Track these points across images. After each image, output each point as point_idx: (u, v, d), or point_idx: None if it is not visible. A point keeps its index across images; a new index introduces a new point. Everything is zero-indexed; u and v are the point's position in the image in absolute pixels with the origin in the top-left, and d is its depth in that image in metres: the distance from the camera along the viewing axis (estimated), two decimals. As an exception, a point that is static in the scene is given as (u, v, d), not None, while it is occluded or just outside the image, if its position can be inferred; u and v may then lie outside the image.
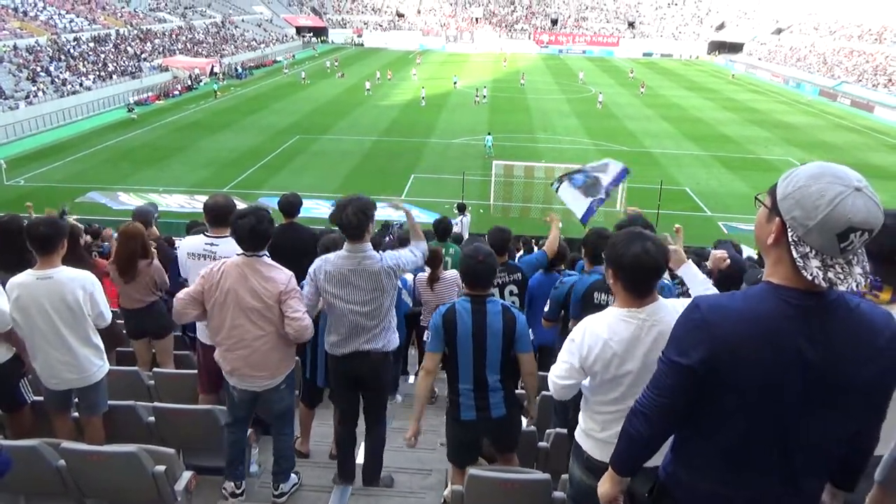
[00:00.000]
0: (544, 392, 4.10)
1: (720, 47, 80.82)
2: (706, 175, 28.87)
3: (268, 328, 3.65)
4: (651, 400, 1.83)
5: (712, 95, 51.15)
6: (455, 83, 48.86)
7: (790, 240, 1.62)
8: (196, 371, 4.71)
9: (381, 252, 3.87)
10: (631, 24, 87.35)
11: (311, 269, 3.91)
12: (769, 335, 1.63)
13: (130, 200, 23.88)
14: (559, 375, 2.60)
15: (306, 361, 4.65)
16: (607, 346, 2.46)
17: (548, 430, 4.07)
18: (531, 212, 23.82)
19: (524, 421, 3.90)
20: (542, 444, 4.01)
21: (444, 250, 6.76)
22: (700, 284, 2.85)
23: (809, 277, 1.58)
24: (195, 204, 23.64)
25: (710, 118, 41.58)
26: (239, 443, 3.87)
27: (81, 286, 3.75)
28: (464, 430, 3.60)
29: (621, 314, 2.49)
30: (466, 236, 14.11)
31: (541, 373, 4.34)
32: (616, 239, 2.55)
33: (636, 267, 2.43)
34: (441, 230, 7.79)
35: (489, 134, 28.57)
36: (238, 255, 3.69)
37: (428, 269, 5.92)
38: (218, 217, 4.38)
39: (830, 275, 1.57)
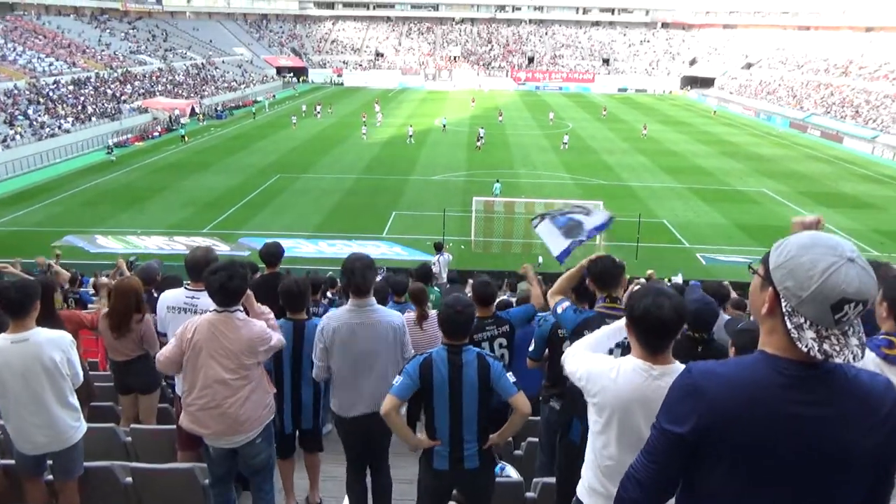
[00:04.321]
0: (531, 439, 4.06)
1: (692, 82, 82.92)
2: (683, 207, 29.31)
3: (240, 386, 3.61)
4: (644, 466, 1.81)
5: (687, 129, 52.26)
6: (444, 126, 48.30)
7: (784, 310, 1.60)
8: (175, 426, 4.59)
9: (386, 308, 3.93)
10: (605, 61, 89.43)
11: (318, 330, 3.95)
12: (761, 404, 1.61)
13: (108, 243, 23.66)
14: (574, 351, 2.77)
15: None
16: (613, 385, 2.50)
17: (535, 480, 4.01)
18: (512, 247, 23.92)
19: (500, 467, 3.88)
20: (530, 494, 3.94)
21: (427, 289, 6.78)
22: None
23: (805, 349, 1.56)
24: (174, 245, 23.47)
25: (685, 151, 42.40)
26: None
27: (59, 348, 3.68)
28: (436, 479, 3.58)
29: (634, 363, 2.52)
30: (445, 275, 14.10)
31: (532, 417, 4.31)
32: (635, 293, 2.59)
33: (644, 321, 2.45)
34: (421, 276, 7.93)
35: (498, 181, 28.77)
36: (211, 311, 3.66)
37: (415, 308, 5.89)
38: (199, 271, 4.34)
39: (826, 346, 1.55)
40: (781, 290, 1.60)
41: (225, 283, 3.57)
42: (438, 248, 15.79)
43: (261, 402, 3.76)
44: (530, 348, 4.36)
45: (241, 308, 3.71)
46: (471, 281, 9.59)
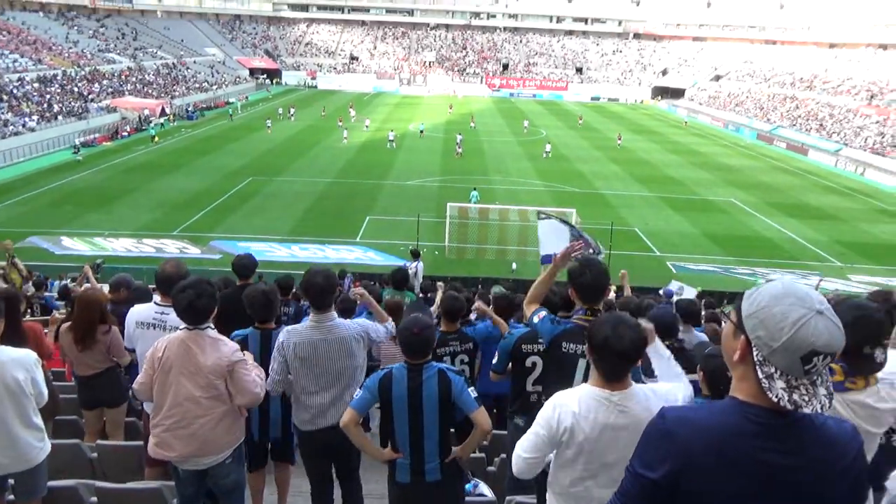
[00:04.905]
0: (504, 455, 4.05)
1: (663, 92, 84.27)
2: (654, 216, 29.74)
3: (211, 405, 3.55)
4: None
5: (658, 139, 53.08)
6: (421, 131, 48.21)
7: (756, 359, 1.64)
8: (142, 443, 4.49)
9: (349, 320, 3.88)
10: (578, 70, 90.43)
11: (277, 344, 3.89)
12: (732, 451, 1.64)
13: (74, 245, 23.12)
14: (526, 448, 2.60)
15: None
16: (577, 421, 2.50)
17: (508, 498, 4.01)
18: (487, 253, 24.02)
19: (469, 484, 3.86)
20: (503, 512, 3.94)
21: (402, 299, 6.76)
22: (664, 362, 2.89)
23: (775, 399, 1.60)
24: (143, 248, 23.05)
25: (656, 160, 43.04)
26: None
27: (23, 367, 3.55)
28: (400, 491, 3.64)
29: (594, 393, 2.54)
30: (419, 283, 14.08)
31: (496, 431, 4.29)
32: (596, 321, 2.63)
33: (605, 349, 2.50)
34: (398, 280, 7.87)
35: (475, 189, 28.76)
36: (181, 329, 3.60)
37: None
38: (169, 285, 4.25)
39: (796, 397, 1.59)
40: (753, 338, 1.64)
41: (193, 301, 3.52)
42: (415, 255, 15.78)
43: (233, 425, 3.70)
44: (494, 361, 4.36)
45: (212, 326, 3.65)
46: (440, 284, 9.59)
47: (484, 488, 4.19)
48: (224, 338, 3.65)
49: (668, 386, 2.78)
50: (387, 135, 44.03)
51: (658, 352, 2.92)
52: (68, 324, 5.01)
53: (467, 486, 4.09)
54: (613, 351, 2.49)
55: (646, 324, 2.95)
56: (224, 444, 3.68)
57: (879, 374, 2.56)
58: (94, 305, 4.92)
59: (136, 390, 3.59)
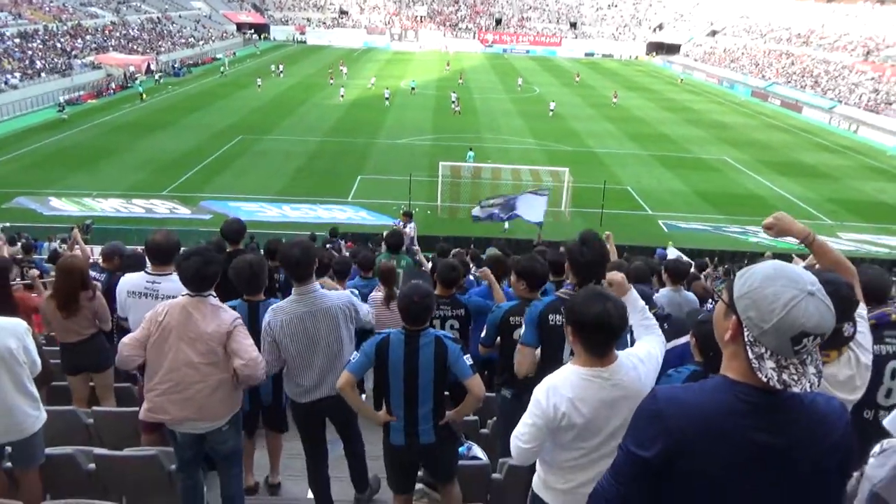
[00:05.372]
0: (509, 461, 4.05)
1: (658, 48, 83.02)
2: (647, 174, 29.66)
3: (209, 372, 3.55)
4: (611, 485, 1.85)
5: (652, 96, 52.54)
6: (413, 88, 47.54)
7: (746, 339, 1.65)
8: (138, 409, 4.51)
9: (334, 291, 3.85)
10: (573, 25, 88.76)
11: (264, 325, 3.88)
12: (723, 430, 1.66)
13: (62, 206, 22.90)
14: (523, 439, 2.59)
15: None
16: (573, 406, 2.49)
17: (501, 460, 4.07)
18: (479, 213, 23.96)
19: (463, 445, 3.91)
20: (496, 475, 4.00)
21: (396, 262, 6.73)
22: (637, 314, 2.92)
23: (764, 379, 1.62)
24: (132, 208, 22.86)
25: (650, 118, 42.70)
26: (192, 489, 3.74)
27: (14, 335, 3.53)
28: (394, 454, 3.70)
29: (583, 373, 2.53)
30: (414, 244, 14.06)
31: (489, 394, 4.35)
32: (576, 299, 2.58)
33: (597, 328, 2.47)
34: (393, 243, 7.80)
35: (471, 150, 28.41)
36: (183, 295, 3.58)
37: (382, 288, 5.84)
38: (159, 255, 4.22)
39: (785, 376, 1.61)
40: (745, 319, 1.65)
41: (200, 268, 3.51)
42: (408, 216, 15.68)
43: (230, 395, 3.71)
44: (482, 334, 4.38)
45: (214, 294, 3.64)
46: (440, 247, 9.57)
47: (477, 451, 4.25)
48: (224, 305, 3.65)
49: (645, 347, 2.79)
50: (382, 92, 43.39)
51: (633, 303, 2.92)
52: (49, 293, 4.98)
53: (461, 448, 4.15)
54: (604, 328, 2.47)
55: (615, 275, 2.96)
56: (221, 412, 3.70)
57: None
58: (76, 272, 4.87)
59: (123, 343, 3.56)
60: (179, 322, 3.51)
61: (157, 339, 3.53)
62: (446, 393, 3.89)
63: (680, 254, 14.87)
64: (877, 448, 1.95)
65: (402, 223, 14.90)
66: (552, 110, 41.26)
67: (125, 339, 3.59)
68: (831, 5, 72.50)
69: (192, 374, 3.52)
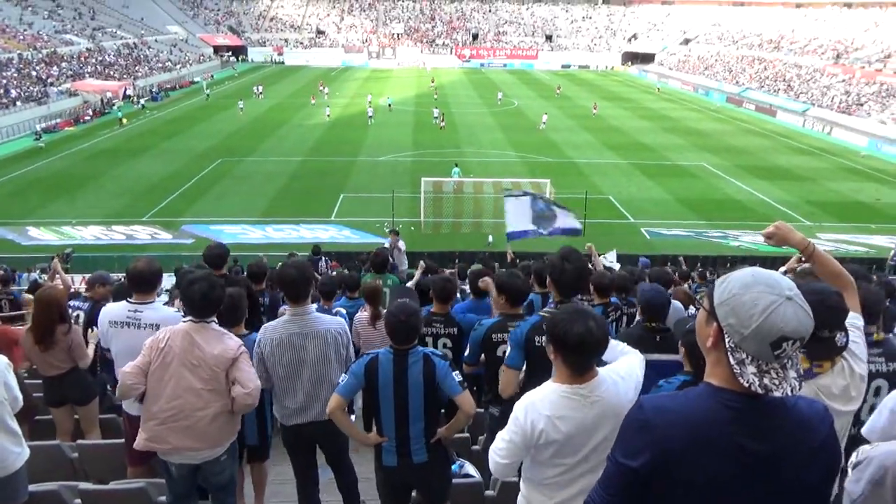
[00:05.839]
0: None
1: (633, 58, 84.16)
2: (627, 183, 29.93)
3: (211, 399, 3.51)
4: (601, 497, 1.85)
5: (630, 105, 53.15)
6: (389, 105, 47.59)
7: (727, 346, 1.68)
8: (123, 440, 4.43)
9: (329, 316, 3.84)
10: (548, 38, 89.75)
11: (256, 342, 3.86)
12: (709, 438, 1.68)
13: (41, 235, 22.60)
14: (500, 454, 2.60)
15: None
16: (551, 423, 2.48)
17: (494, 477, 4.03)
18: (462, 227, 24.02)
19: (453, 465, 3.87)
20: (489, 492, 3.98)
21: (381, 282, 6.71)
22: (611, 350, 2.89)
23: (746, 384, 1.64)
24: (113, 235, 22.62)
25: (628, 127, 43.16)
26: None
27: None
28: (387, 475, 3.66)
29: (563, 390, 2.52)
30: (405, 260, 14.02)
31: (478, 410, 4.32)
32: (558, 317, 2.57)
33: (580, 347, 2.47)
34: (378, 263, 7.79)
35: (456, 165, 28.51)
36: (185, 321, 3.55)
37: (368, 308, 5.81)
38: (142, 283, 4.16)
39: (766, 381, 1.63)
40: (725, 325, 1.67)
41: (207, 293, 3.49)
42: (397, 234, 15.64)
43: (229, 422, 3.66)
44: (466, 353, 4.37)
45: (216, 319, 3.62)
46: (421, 263, 9.56)
47: (470, 468, 4.23)
48: (229, 332, 3.62)
49: (625, 362, 2.79)
50: (365, 110, 43.49)
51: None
52: (28, 326, 4.89)
53: (453, 466, 4.12)
54: (586, 347, 2.47)
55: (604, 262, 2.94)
56: (220, 440, 3.65)
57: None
58: (53, 305, 4.80)
59: (125, 373, 3.49)
60: (182, 348, 3.47)
61: (157, 366, 3.47)
62: (442, 411, 3.88)
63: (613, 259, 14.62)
64: (853, 457, 1.97)
65: (392, 241, 14.84)
66: (544, 123, 41.59)
67: (126, 368, 3.53)
68: (800, 10, 74.08)
69: (194, 400, 3.48)
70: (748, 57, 67.64)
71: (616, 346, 2.99)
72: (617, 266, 12.02)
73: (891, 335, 3.66)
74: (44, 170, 31.10)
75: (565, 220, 12.14)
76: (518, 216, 11.98)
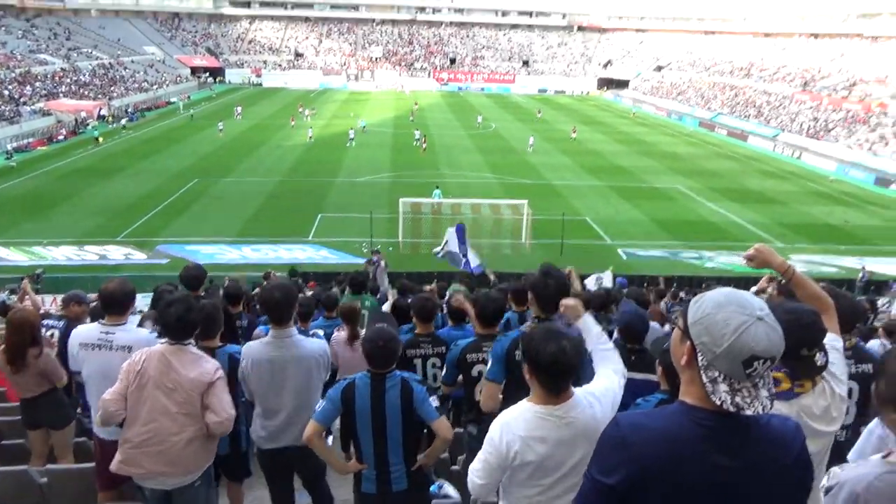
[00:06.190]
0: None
1: (608, 83, 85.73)
2: (604, 205, 30.27)
3: (186, 423, 3.43)
4: None
5: (605, 129, 53.98)
6: (363, 127, 47.63)
7: (700, 364, 1.70)
8: (94, 465, 4.31)
9: (312, 339, 3.80)
10: (525, 63, 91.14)
11: (238, 360, 3.80)
12: (683, 455, 1.70)
13: (10, 256, 22.14)
14: (478, 475, 2.60)
15: None
16: (526, 444, 2.48)
17: (473, 497, 3.99)
18: (441, 248, 24.02)
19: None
20: (470, 514, 3.93)
21: (360, 304, 6.66)
22: (593, 338, 2.95)
23: (718, 402, 1.66)
24: (85, 255, 22.23)
25: (605, 150, 43.78)
26: None
27: None
28: (365, 502, 3.60)
29: (538, 411, 2.51)
30: (386, 279, 14.01)
31: (457, 430, 4.27)
32: (532, 336, 2.57)
33: (553, 366, 2.46)
34: (357, 284, 7.76)
35: (437, 187, 28.60)
36: (162, 343, 3.49)
37: (346, 328, 5.76)
38: (113, 304, 4.07)
39: (738, 399, 1.65)
40: (698, 344, 1.70)
41: (183, 315, 3.44)
42: (378, 253, 15.60)
43: (203, 447, 3.58)
44: (443, 373, 4.34)
45: (193, 342, 3.56)
46: (401, 284, 9.57)
47: (449, 489, 4.18)
48: (206, 355, 3.56)
49: (604, 383, 2.78)
50: (346, 131, 43.55)
51: (588, 329, 2.94)
52: (3, 347, 4.78)
53: (432, 487, 4.08)
54: (559, 366, 2.46)
55: (568, 300, 3.00)
56: (193, 466, 3.56)
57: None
58: (26, 326, 4.69)
59: (105, 400, 3.41)
60: (158, 370, 3.40)
61: (134, 389, 3.40)
62: (424, 431, 3.84)
63: (602, 275, 14.84)
64: (824, 480, 1.97)
65: (375, 259, 14.84)
66: (531, 146, 42.05)
67: (106, 396, 3.44)
68: (769, 39, 76.22)
69: (169, 424, 3.40)
70: (720, 83, 69.29)
71: (604, 343, 2.97)
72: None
73: (860, 340, 3.75)
74: (15, 189, 30.56)
75: (475, 259, 14.98)
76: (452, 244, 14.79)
